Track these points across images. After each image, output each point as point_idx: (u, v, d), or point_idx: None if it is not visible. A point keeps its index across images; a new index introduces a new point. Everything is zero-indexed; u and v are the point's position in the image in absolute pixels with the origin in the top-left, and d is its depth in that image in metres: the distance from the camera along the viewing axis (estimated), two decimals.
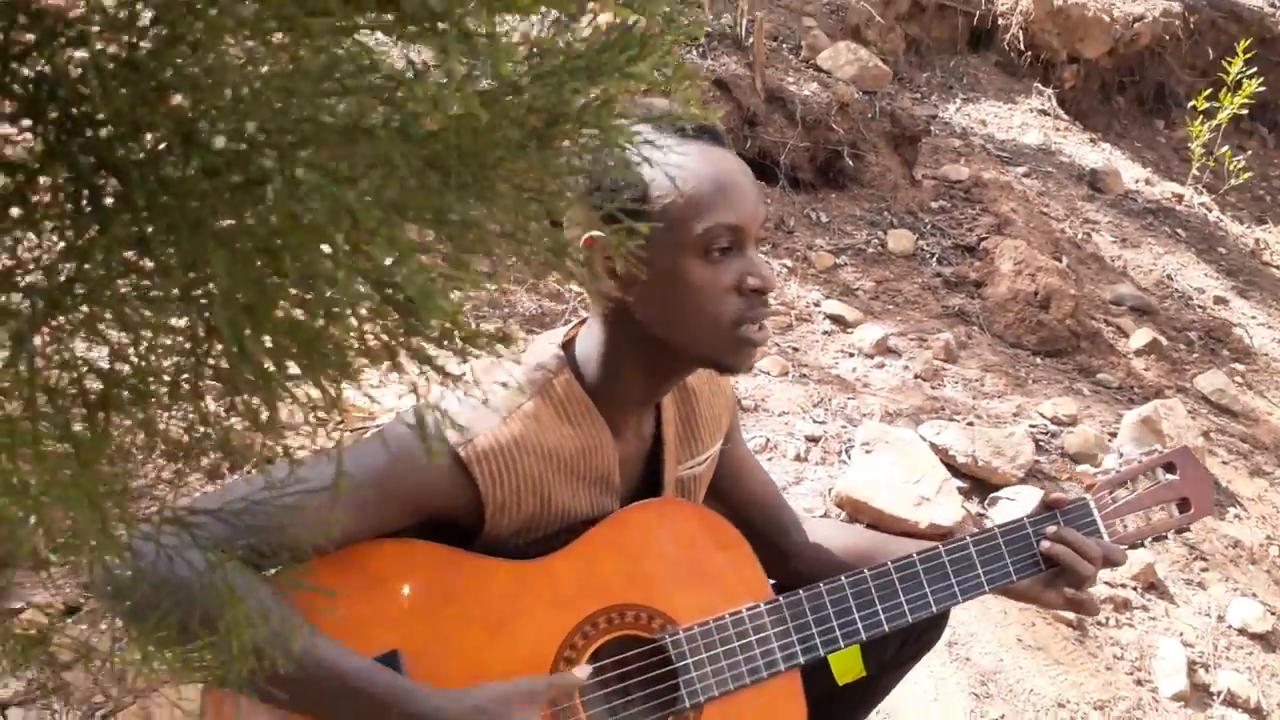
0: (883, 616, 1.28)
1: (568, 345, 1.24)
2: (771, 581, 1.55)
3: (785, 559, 1.49)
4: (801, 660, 1.25)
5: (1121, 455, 1.44)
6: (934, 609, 1.30)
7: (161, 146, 0.34)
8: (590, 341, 1.21)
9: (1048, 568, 1.34)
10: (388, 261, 0.35)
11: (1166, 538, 1.43)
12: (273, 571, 1.07)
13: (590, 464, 1.21)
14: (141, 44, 0.36)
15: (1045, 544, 1.33)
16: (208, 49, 0.35)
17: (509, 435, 1.14)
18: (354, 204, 0.32)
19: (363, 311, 0.36)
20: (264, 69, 0.37)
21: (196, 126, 0.35)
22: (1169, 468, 1.43)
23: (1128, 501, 1.40)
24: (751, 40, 4.07)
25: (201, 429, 0.54)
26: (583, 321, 1.26)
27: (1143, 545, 1.41)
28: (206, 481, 2.07)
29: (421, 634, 1.14)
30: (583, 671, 1.14)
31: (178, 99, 0.35)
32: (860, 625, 1.27)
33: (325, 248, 0.33)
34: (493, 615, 1.16)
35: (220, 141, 0.32)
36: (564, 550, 1.19)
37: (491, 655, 1.15)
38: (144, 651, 0.67)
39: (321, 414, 0.43)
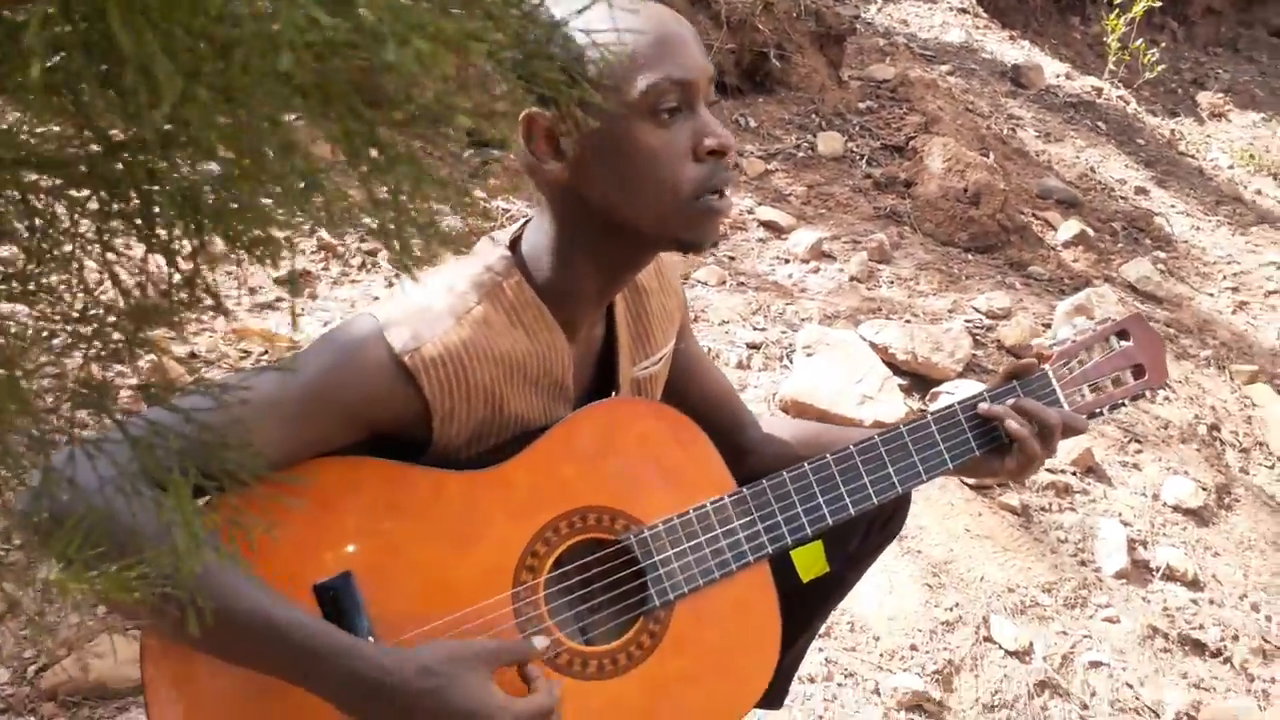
0: (848, 500, 1.25)
1: (514, 245, 1.17)
2: None
3: (743, 455, 1.46)
4: (770, 550, 1.22)
5: (1075, 326, 1.43)
6: (899, 489, 1.28)
7: None
8: (539, 238, 1.14)
9: (1009, 440, 1.31)
10: None
11: (1125, 404, 1.43)
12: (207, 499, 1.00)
13: (544, 369, 1.15)
14: None
15: (1003, 416, 1.31)
16: None
17: (457, 341, 1.08)
18: None
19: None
20: None
21: None
22: (1122, 335, 1.42)
23: (1085, 370, 1.38)
24: None
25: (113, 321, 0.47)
26: (527, 221, 1.19)
27: (1101, 413, 1.40)
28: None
29: (375, 554, 1.08)
30: (541, 643, 1.09)
31: None
32: (826, 510, 1.24)
33: None
34: (449, 529, 1.11)
35: None
36: (518, 457, 1.14)
37: (451, 570, 1.10)
38: (71, 568, 0.60)
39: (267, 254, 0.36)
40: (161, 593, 0.66)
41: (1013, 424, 1.27)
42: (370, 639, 1.03)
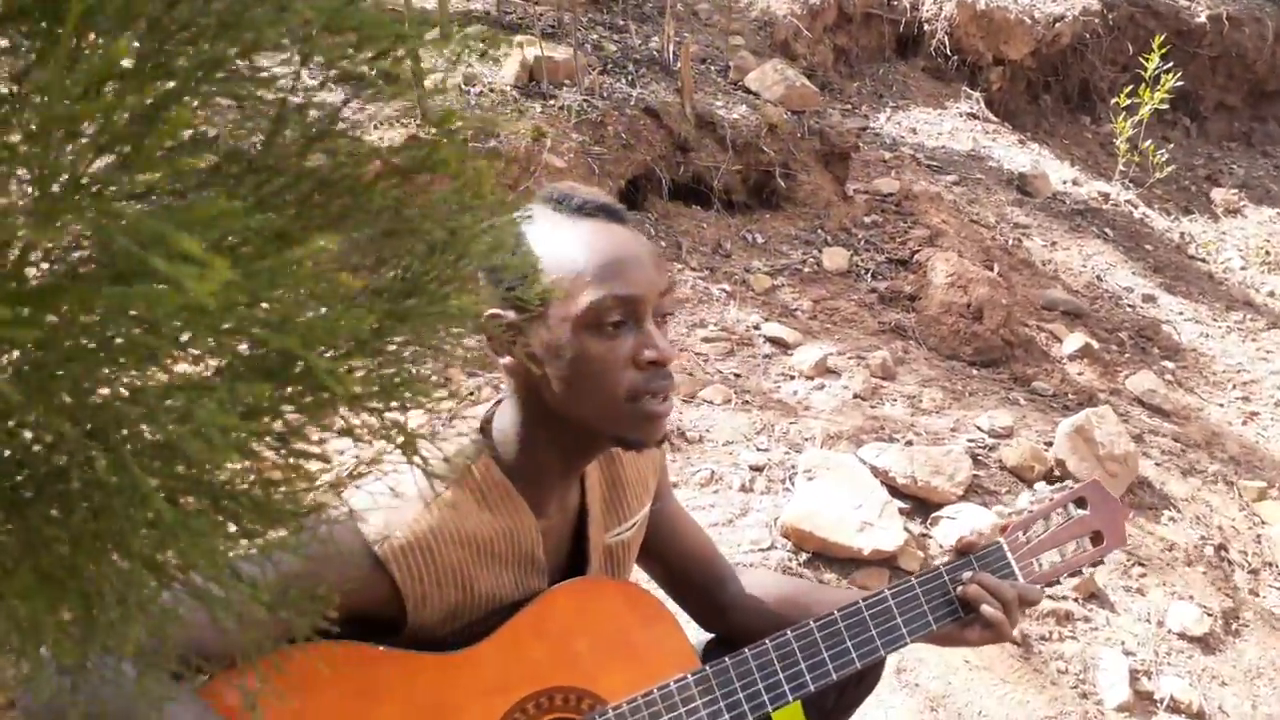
0: (808, 677, 1.29)
1: (485, 426, 1.24)
2: (711, 635, 1.57)
3: (723, 612, 1.51)
4: None
5: (1036, 494, 1.48)
6: (858, 665, 1.31)
7: None
8: (506, 420, 1.22)
9: (966, 613, 1.36)
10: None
11: (1082, 573, 1.46)
12: (202, 679, 1.07)
13: (513, 547, 1.21)
14: None
15: (961, 589, 1.35)
16: None
17: (426, 528, 1.15)
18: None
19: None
20: None
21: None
22: (1080, 502, 1.46)
23: (1041, 540, 1.42)
24: (679, 65, 4.09)
25: None
26: (500, 401, 1.26)
27: (1059, 582, 1.44)
28: None
29: None
30: None
31: None
32: (786, 688, 1.28)
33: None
34: (422, 711, 1.16)
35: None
36: (490, 638, 1.19)
37: None
38: None
39: None
40: None
41: (963, 591, 1.33)
42: None
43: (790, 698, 1.28)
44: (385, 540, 1.12)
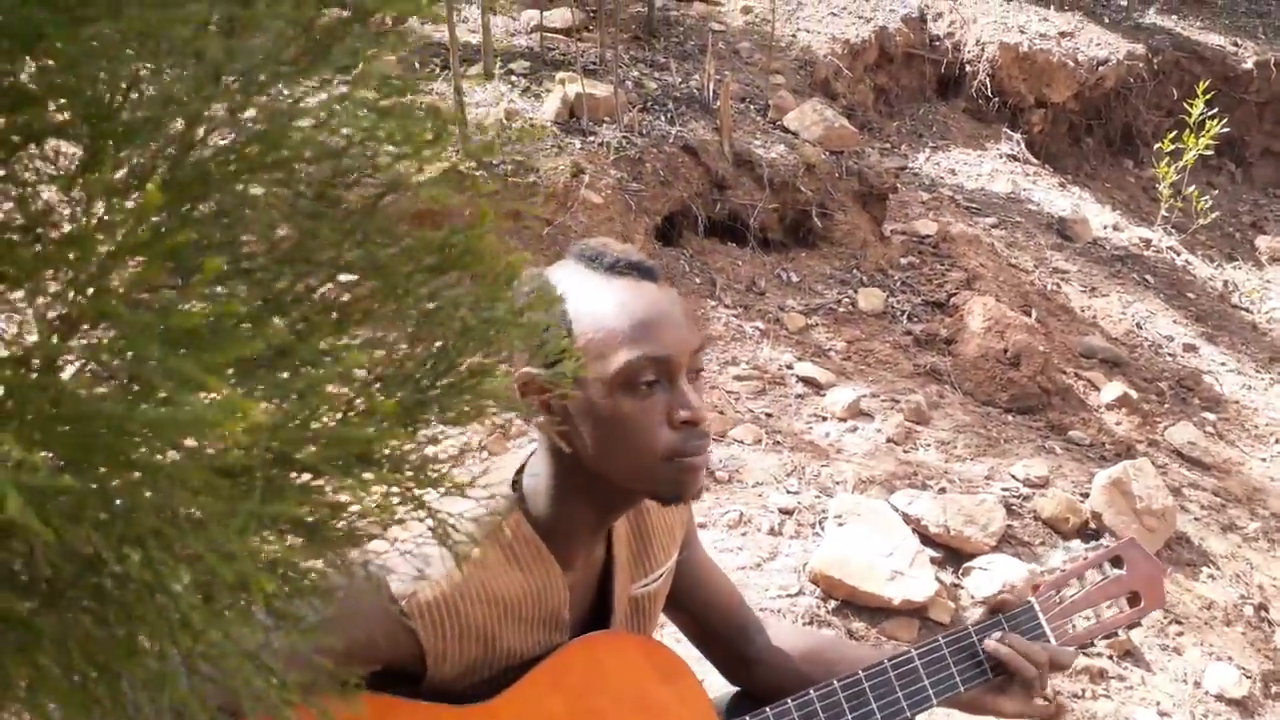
0: None
1: (517, 478, 1.24)
2: (736, 689, 1.55)
3: (749, 664, 1.49)
4: None
5: (1069, 551, 1.45)
6: None
7: None
8: (538, 477, 1.21)
9: (995, 675, 1.33)
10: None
11: (1117, 634, 1.43)
12: None
13: (539, 605, 1.20)
14: None
15: (990, 650, 1.33)
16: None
17: (454, 585, 1.14)
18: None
19: None
20: None
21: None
22: (1116, 562, 1.43)
23: (1075, 600, 1.39)
24: (719, 104, 4.11)
25: None
26: (532, 454, 1.26)
27: (1093, 645, 1.41)
28: None
29: None
30: None
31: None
32: None
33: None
34: None
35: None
36: (507, 691, 1.18)
37: None
38: None
39: None
40: None
41: (993, 652, 1.30)
42: None
43: None
44: (411, 596, 1.12)
